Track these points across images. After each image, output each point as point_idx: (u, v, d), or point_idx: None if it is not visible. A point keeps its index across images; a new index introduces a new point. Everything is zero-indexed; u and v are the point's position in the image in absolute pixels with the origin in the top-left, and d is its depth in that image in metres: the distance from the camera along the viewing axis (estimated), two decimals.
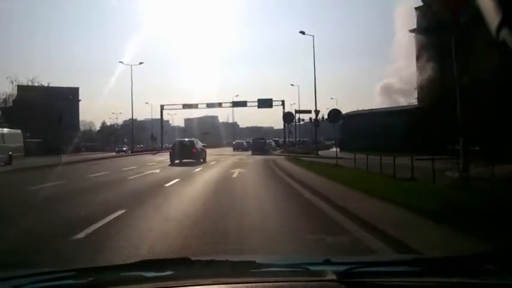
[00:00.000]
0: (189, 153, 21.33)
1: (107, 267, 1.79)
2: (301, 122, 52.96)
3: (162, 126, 51.52)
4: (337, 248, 4.25)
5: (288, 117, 36.79)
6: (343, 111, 47.00)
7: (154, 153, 33.99)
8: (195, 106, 50.33)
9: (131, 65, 38.74)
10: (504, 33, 1.03)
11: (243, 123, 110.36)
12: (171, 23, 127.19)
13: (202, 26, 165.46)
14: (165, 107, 50.61)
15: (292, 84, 53.94)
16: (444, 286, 1.38)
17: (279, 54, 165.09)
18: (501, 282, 1.39)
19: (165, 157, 22.34)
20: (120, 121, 77.30)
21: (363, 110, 45.01)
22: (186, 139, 26.58)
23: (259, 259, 1.61)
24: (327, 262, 1.55)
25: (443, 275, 1.44)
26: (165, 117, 75.50)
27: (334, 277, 1.30)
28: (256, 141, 38.19)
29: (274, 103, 49.23)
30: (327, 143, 53.67)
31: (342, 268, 1.37)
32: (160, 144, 50.11)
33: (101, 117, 79.97)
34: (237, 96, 49.10)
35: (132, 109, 43.39)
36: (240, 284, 1.33)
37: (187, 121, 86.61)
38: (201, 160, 21.71)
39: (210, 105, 51.10)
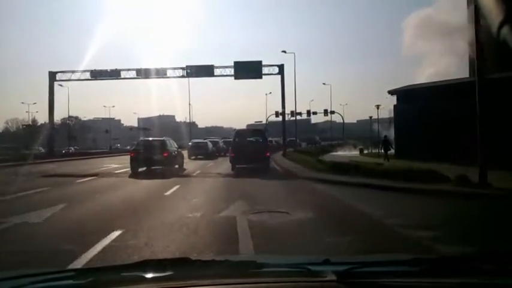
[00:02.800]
0: (159, 159, 18.34)
1: (107, 267, 1.89)
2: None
3: (51, 110, 36.06)
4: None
5: None
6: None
7: None
8: (116, 73, 34.37)
9: None
10: (505, 32, 1.01)
11: (202, 123, 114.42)
12: None
13: None
14: (58, 75, 35.04)
15: (284, 51, 39.40)
16: (444, 286, 1.43)
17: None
18: (501, 282, 1.45)
19: None
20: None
21: (426, 83, 31.96)
22: (153, 138, 22.57)
23: (259, 259, 1.69)
24: (327, 262, 1.60)
25: (443, 275, 1.50)
26: (111, 114, 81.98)
27: (334, 277, 1.37)
28: (245, 140, 20.58)
29: (265, 69, 34.42)
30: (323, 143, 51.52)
31: (342, 268, 1.45)
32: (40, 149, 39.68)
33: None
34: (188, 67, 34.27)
35: None
36: (240, 284, 1.40)
37: (141, 120, 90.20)
38: (176, 167, 20.01)
39: (144, 73, 34.51)
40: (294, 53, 40.44)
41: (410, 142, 25.85)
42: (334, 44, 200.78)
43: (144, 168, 18.44)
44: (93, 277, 1.46)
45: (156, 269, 1.50)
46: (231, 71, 32.37)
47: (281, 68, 32.81)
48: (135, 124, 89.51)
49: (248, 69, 32.35)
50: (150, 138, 22.99)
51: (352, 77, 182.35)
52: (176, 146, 21.69)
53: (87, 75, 34.35)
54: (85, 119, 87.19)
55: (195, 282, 1.37)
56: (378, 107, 38.06)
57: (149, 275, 1.43)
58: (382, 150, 28.16)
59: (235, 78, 32.46)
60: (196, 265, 1.57)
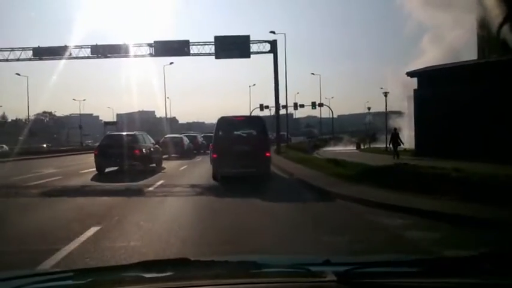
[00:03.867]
0: (129, 157, 15.88)
1: (107, 268, 2.03)
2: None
3: None
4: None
5: None
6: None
7: None
8: (64, 51, 26.64)
9: None
10: (505, 32, 1.04)
11: (183, 119, 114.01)
12: None
13: None
14: None
15: (273, 32, 32.65)
16: (444, 286, 1.44)
17: None
18: (501, 282, 1.47)
19: None
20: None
21: (457, 62, 24.59)
22: (122, 133, 19.30)
23: (259, 260, 1.70)
24: (327, 262, 1.63)
25: (443, 275, 1.52)
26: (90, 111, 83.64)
27: (334, 278, 1.40)
28: (233, 132, 13.59)
29: (254, 47, 26.89)
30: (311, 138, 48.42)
31: (342, 268, 1.48)
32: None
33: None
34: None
35: None
36: (240, 285, 1.42)
37: (120, 116, 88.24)
38: (153, 165, 17.71)
39: (101, 51, 26.81)
40: (284, 34, 34.22)
41: (434, 136, 21.71)
42: (308, 38, 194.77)
43: (115, 168, 17.05)
44: (93, 277, 1.51)
45: (156, 269, 1.56)
46: (211, 49, 26.99)
47: (273, 44, 28.99)
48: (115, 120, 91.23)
49: (232, 46, 28.40)
50: (119, 133, 20.66)
51: (331, 72, 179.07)
52: (153, 141, 20.04)
53: (29, 54, 29.34)
54: (60, 114, 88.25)
55: (194, 283, 1.42)
56: (386, 94, 32.58)
57: (149, 275, 1.49)
58: (391, 145, 24.91)
59: (217, 57, 28.35)
60: (196, 265, 1.63)
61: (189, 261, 1.58)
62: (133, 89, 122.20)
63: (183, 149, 26.88)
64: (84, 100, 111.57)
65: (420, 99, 25.11)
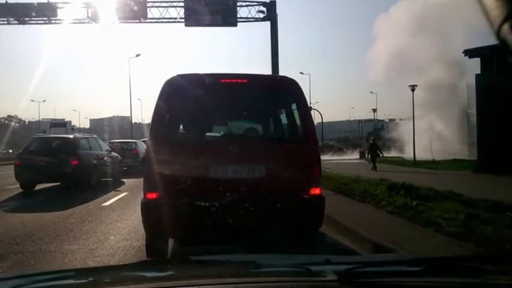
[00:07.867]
0: (62, 170, 12.17)
1: (107, 267, 2.16)
2: None
3: None
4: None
5: None
6: None
7: None
8: None
9: None
10: (505, 32, 1.01)
11: None
12: None
13: None
14: None
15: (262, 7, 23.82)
16: (444, 286, 1.43)
17: None
18: (501, 282, 1.45)
19: None
20: None
21: None
22: (55, 136, 16.18)
23: (259, 259, 1.66)
24: (327, 262, 1.60)
25: (443, 275, 1.51)
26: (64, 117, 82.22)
27: (334, 277, 1.39)
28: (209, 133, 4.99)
29: (243, 12, 19.93)
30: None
31: (342, 268, 1.46)
32: None
33: None
34: None
35: None
36: (240, 284, 1.41)
37: (94, 122, 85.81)
38: (110, 179, 14.42)
39: (11, 12, 19.27)
40: (277, 14, 25.53)
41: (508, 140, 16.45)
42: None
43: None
44: (93, 277, 1.49)
45: (156, 268, 1.56)
46: (180, 12, 17.49)
47: (271, 8, 18.05)
48: (88, 126, 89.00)
49: (211, 9, 16.90)
50: (51, 135, 17.00)
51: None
52: (107, 148, 16.09)
53: None
54: (24, 118, 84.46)
55: (195, 282, 1.40)
56: (413, 88, 26.88)
57: (149, 275, 1.46)
58: (369, 156, 23.88)
59: (187, 25, 18.93)
60: (196, 265, 1.60)
61: (189, 261, 1.56)
62: (102, 91, 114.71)
63: (137, 159, 18.94)
64: (44, 101, 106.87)
65: (485, 87, 17.41)
